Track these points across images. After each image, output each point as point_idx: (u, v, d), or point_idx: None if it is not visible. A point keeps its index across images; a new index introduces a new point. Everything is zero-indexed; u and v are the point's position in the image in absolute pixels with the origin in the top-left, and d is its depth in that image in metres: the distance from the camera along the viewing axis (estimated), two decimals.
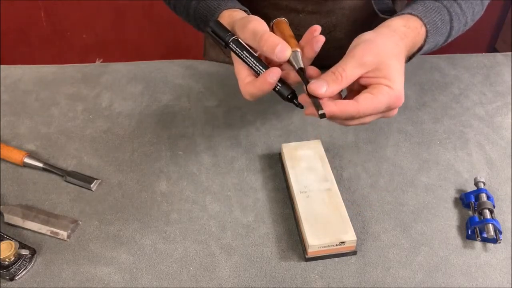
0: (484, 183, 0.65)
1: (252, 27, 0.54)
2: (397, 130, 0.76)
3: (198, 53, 1.08)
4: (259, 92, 0.53)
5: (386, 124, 0.77)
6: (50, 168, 0.69)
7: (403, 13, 0.60)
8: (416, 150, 0.73)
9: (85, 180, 0.68)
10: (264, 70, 0.53)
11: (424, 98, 0.82)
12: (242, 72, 0.55)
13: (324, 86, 0.51)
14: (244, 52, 0.54)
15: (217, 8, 0.62)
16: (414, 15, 0.59)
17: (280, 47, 0.51)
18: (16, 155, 0.70)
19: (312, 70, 0.54)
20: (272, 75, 0.52)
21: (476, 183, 0.65)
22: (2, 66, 0.89)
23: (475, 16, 0.69)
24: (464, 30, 0.69)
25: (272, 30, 0.56)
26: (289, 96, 0.53)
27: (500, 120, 0.77)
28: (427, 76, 0.86)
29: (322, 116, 0.50)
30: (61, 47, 1.88)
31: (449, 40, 0.67)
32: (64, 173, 0.69)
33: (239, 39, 0.55)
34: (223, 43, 0.56)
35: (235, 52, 0.55)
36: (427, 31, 0.60)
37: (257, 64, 0.54)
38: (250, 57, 0.54)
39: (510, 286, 0.56)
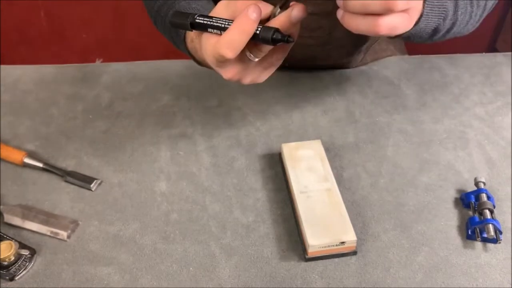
0: (484, 183, 0.65)
1: None
2: (397, 130, 0.76)
3: None
4: (239, 35, 0.45)
5: (386, 124, 0.77)
6: (49, 168, 0.69)
7: None
8: (416, 150, 0.73)
9: (85, 180, 0.68)
10: None
11: (424, 98, 0.82)
12: (211, 39, 0.47)
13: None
14: (213, 19, 0.47)
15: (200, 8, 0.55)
16: None
17: (253, 6, 0.44)
18: (15, 155, 0.70)
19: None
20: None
21: (476, 183, 0.65)
22: (2, 66, 0.89)
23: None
24: (478, 16, 0.61)
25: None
26: (274, 36, 0.45)
27: (501, 120, 0.77)
28: (427, 76, 0.86)
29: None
30: (61, 47, 1.87)
31: (458, 18, 0.59)
32: (64, 173, 0.69)
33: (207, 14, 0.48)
34: (188, 23, 0.48)
35: (203, 25, 0.48)
36: None
37: (231, 23, 0.46)
38: (222, 19, 0.46)
39: (510, 286, 0.56)
